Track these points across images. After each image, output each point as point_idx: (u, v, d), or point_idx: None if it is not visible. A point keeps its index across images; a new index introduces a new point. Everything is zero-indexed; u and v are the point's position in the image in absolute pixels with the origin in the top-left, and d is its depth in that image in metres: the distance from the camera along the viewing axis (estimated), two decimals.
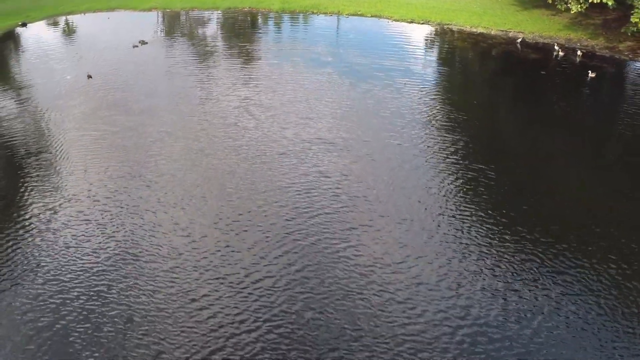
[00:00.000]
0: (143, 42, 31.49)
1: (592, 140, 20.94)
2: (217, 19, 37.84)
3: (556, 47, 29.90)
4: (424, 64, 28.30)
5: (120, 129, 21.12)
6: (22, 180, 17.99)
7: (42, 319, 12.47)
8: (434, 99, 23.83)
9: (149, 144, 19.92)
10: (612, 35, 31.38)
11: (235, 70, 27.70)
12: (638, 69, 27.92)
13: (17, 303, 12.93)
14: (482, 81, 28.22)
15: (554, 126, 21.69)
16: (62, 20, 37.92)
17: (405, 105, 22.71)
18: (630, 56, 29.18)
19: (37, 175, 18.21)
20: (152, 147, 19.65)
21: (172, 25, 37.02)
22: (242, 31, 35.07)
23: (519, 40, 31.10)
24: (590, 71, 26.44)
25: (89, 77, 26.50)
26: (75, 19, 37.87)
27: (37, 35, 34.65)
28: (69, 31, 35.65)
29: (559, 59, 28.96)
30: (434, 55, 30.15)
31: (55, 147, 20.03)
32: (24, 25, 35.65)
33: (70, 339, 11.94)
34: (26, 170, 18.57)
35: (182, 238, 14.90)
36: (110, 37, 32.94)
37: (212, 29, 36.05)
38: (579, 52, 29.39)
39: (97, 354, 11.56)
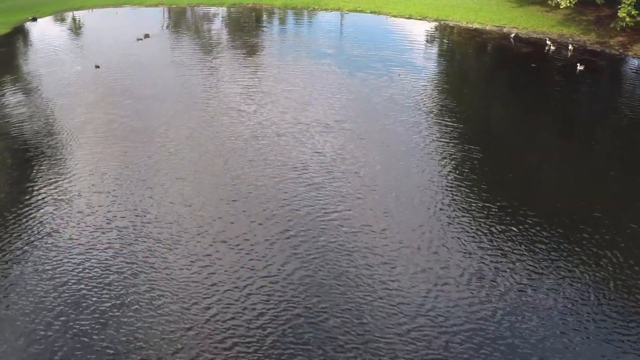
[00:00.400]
0: (146, 36, 33.02)
1: (576, 125, 22.43)
2: (222, 14, 39.39)
3: (548, 42, 31.28)
4: (419, 57, 29.75)
5: (128, 112, 22.62)
6: (37, 157, 19.46)
7: (55, 272, 13.92)
8: (426, 87, 25.30)
9: (156, 125, 21.40)
10: (603, 31, 32.70)
11: (237, 61, 29.24)
12: (626, 62, 29.29)
13: (34, 259, 14.36)
14: (475, 73, 29.67)
15: (541, 113, 23.11)
16: (70, 15, 39.51)
17: (398, 92, 24.17)
18: (620, 50, 30.53)
19: (51, 153, 19.67)
20: (159, 129, 21.12)
21: (177, 20, 38.61)
22: (245, 25, 36.64)
23: (512, 35, 32.51)
24: (579, 64, 27.82)
25: (97, 67, 28.01)
26: (83, 15, 39.47)
27: (47, 30, 36.26)
28: (77, 26, 37.27)
29: (550, 52, 30.37)
30: (429, 48, 31.61)
31: (68, 128, 21.49)
32: (34, 20, 37.30)
33: (81, 286, 13.37)
34: (41, 149, 20.01)
35: (185, 206, 16.32)
36: (117, 31, 34.50)
37: (215, 24, 37.62)
38: (570, 47, 30.77)
39: (105, 299, 12.98)
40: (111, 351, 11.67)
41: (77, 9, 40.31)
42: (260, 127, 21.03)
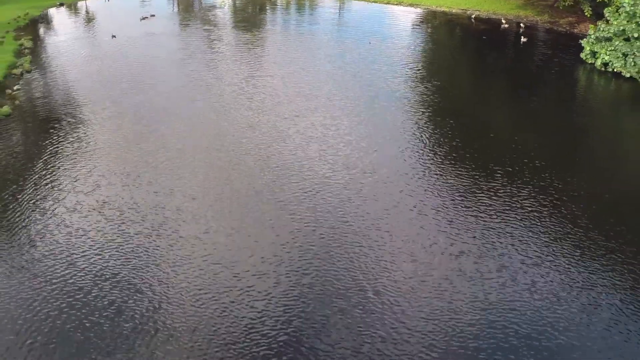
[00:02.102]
0: (152, 16, 40.78)
1: (509, 80, 29.98)
2: (227, 1, 47.35)
3: (503, 21, 38.76)
4: (389, 31, 37.54)
5: (146, 64, 30.33)
6: (86, 87, 26.96)
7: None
8: (390, 51, 32.94)
9: (168, 71, 29.08)
10: (556, 13, 40.16)
11: (238, 33, 36.99)
12: (566, 36, 36.60)
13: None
14: (435, 42, 37.22)
15: (485, 72, 30.74)
16: (91, 2, 47.48)
17: (366, 52, 32.10)
18: (567, 28, 37.93)
19: (98, 85, 27.13)
20: (171, 75, 28.68)
21: (185, 4, 46.50)
22: (248, 9, 44.51)
23: (473, 16, 40.06)
24: (522, 37, 35.27)
25: (113, 37, 35.61)
26: (101, 2, 47.45)
27: (72, 12, 44.23)
28: (97, 10, 45.15)
29: (503, 30, 37.82)
30: (399, 26, 39.27)
31: (107, 72, 28.97)
32: (61, 5, 45.33)
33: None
34: (90, 83, 27.49)
35: (191, 114, 23.70)
36: (130, 14, 42.38)
37: (220, 8, 45.44)
38: (522, 25, 38.21)
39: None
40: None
41: None
42: (254, 71, 28.73)
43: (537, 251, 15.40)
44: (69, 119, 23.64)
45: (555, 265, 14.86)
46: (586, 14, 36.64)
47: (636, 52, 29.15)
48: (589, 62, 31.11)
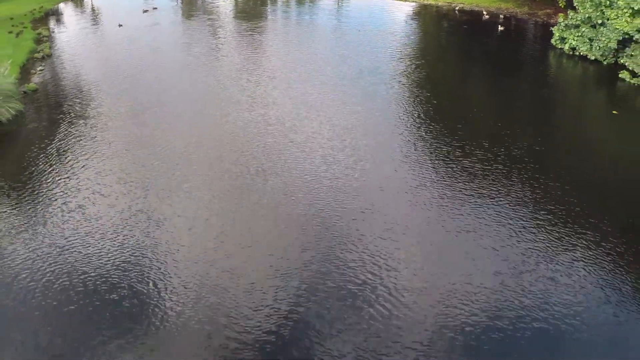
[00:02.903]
0: (154, 8, 44.54)
1: (483, 61, 33.57)
2: None
3: (484, 12, 42.54)
4: (378, 21, 41.36)
5: (152, 45, 34.24)
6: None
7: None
8: (379, 37, 36.68)
9: (171, 51, 32.92)
10: (535, 5, 43.92)
11: (237, 21, 40.83)
12: (542, 26, 40.34)
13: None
14: (419, 30, 41.04)
15: (461, 55, 34.36)
16: None
17: (355, 37, 36.01)
18: (544, 19, 41.65)
19: (114, 61, 30.94)
20: (175, 54, 32.48)
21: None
22: (243, 3, 48.44)
23: (457, 8, 43.86)
24: (499, 26, 39.02)
25: (120, 25, 39.50)
26: None
27: (81, 6, 48.21)
28: (104, 3, 49.04)
29: (484, 20, 41.58)
30: (388, 16, 43.12)
31: (121, 53, 32.84)
32: None
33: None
34: (107, 59, 31.31)
35: (192, 75, 27.46)
36: (135, 6, 46.25)
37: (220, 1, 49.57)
38: (501, 16, 41.98)
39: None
40: None
41: None
42: (254, 53, 32.65)
43: (492, 191, 19.08)
44: (88, 93, 27.42)
45: (504, 201, 18.57)
46: (560, 4, 40.37)
47: (600, 37, 32.84)
48: (559, 47, 34.75)
